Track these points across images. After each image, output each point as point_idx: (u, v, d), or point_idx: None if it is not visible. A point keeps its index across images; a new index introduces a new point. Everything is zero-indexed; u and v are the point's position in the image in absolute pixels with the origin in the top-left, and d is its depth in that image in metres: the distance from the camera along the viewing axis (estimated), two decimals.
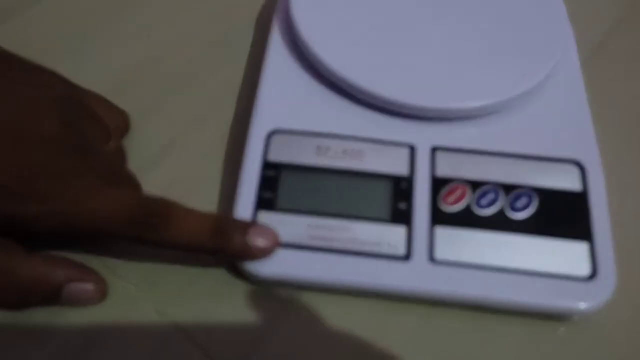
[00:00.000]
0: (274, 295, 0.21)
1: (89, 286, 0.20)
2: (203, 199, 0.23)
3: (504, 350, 0.21)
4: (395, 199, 0.22)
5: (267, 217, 0.21)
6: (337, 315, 0.21)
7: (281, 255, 0.21)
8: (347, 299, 0.21)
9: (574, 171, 0.23)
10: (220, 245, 0.20)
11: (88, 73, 0.27)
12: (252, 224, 0.21)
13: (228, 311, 0.21)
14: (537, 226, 0.22)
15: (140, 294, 0.21)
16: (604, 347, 0.21)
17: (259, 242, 0.20)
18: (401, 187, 0.22)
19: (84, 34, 0.29)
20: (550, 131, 0.24)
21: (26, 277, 0.19)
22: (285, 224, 0.21)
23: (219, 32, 0.29)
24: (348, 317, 0.21)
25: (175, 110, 0.26)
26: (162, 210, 0.19)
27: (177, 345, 0.20)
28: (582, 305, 0.20)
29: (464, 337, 0.21)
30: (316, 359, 0.20)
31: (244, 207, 0.22)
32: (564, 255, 0.21)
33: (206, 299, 0.21)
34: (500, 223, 0.22)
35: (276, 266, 0.21)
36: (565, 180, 0.22)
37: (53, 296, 0.20)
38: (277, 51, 0.26)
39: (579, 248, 0.21)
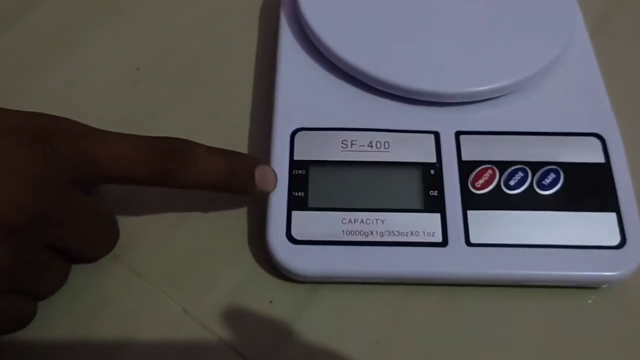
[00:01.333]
0: (299, 287, 0.22)
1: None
2: (230, 202, 0.24)
3: (536, 322, 0.22)
4: (425, 187, 0.23)
5: (300, 217, 0.22)
6: (362, 303, 0.22)
7: (319, 252, 0.22)
8: (370, 287, 0.22)
9: (596, 144, 0.24)
10: (232, 185, 0.21)
11: (93, 75, 0.28)
12: (258, 162, 0.22)
13: (255, 306, 0.22)
14: (565, 201, 0.23)
15: (165, 292, 0.22)
16: (633, 313, 0.22)
17: (265, 185, 0.22)
18: (430, 175, 0.23)
19: (86, 36, 0.29)
20: (568, 107, 0.25)
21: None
22: (319, 222, 0.22)
23: (222, 27, 0.30)
24: (373, 304, 0.22)
25: (186, 111, 0.27)
26: (180, 154, 0.20)
27: (205, 343, 0.21)
28: (615, 273, 0.21)
29: (495, 312, 0.22)
30: (344, 350, 0.21)
31: (277, 209, 0.22)
32: (593, 227, 0.22)
33: (232, 295, 0.22)
34: (529, 201, 0.23)
35: (316, 264, 0.22)
36: (588, 154, 0.24)
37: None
38: (289, 48, 0.26)
39: (607, 218, 0.22)
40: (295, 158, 0.23)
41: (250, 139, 0.26)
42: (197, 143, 0.21)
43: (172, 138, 0.21)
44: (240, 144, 0.26)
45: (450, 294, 0.22)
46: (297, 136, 0.24)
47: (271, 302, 0.22)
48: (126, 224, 0.23)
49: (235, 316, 0.22)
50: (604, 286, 0.22)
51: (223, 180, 0.21)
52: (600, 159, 0.24)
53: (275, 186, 0.22)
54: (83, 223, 0.20)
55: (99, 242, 0.22)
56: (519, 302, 0.22)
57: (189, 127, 0.26)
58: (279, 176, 0.23)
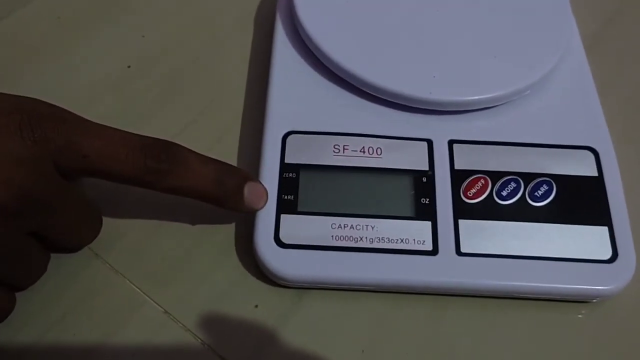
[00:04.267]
0: (286, 292, 0.23)
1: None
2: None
3: (525, 335, 0.23)
4: (417, 194, 0.24)
5: (289, 220, 0.23)
6: (349, 310, 0.23)
7: (307, 256, 0.23)
8: (358, 294, 0.23)
9: (589, 157, 0.25)
10: (219, 197, 0.22)
11: (82, 74, 0.29)
12: (249, 178, 0.23)
13: (240, 310, 0.23)
14: (557, 213, 0.24)
15: (146, 292, 0.23)
16: (624, 328, 0.23)
17: (254, 202, 0.23)
18: (422, 182, 0.24)
19: (79, 31, 0.31)
20: (562, 119, 0.27)
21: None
22: (308, 226, 0.23)
23: (217, 28, 0.31)
24: (360, 311, 0.23)
25: (177, 112, 0.28)
26: (169, 155, 0.21)
27: (187, 347, 0.22)
28: (605, 287, 0.23)
29: (484, 323, 0.23)
30: (330, 357, 0.22)
31: (266, 212, 0.23)
32: (585, 240, 0.23)
33: (216, 298, 0.23)
34: (521, 212, 0.24)
35: (303, 268, 0.23)
36: (581, 166, 0.25)
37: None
38: (283, 51, 0.28)
39: (599, 232, 0.24)
40: (286, 161, 0.24)
41: (241, 141, 0.27)
42: (188, 149, 0.22)
43: (164, 140, 0.21)
44: (231, 145, 0.27)
45: (440, 304, 0.23)
46: (288, 139, 0.25)
47: (256, 306, 0.23)
48: (108, 220, 0.24)
49: (219, 320, 0.23)
50: (595, 300, 0.24)
51: (210, 190, 0.22)
52: (593, 172, 0.25)
53: (264, 205, 0.23)
54: (69, 209, 0.21)
55: (83, 230, 0.23)
56: (508, 314, 0.23)
57: (179, 128, 0.27)
58: (269, 179, 0.24)
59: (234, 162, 0.27)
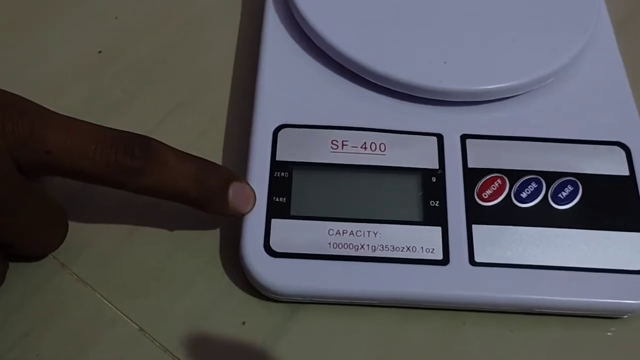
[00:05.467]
0: (277, 307, 0.22)
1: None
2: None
3: (548, 355, 0.22)
4: (425, 196, 0.23)
5: (281, 226, 0.22)
6: (348, 327, 0.22)
7: (301, 267, 0.21)
8: (359, 310, 0.22)
9: (620, 154, 0.24)
10: (200, 199, 0.21)
11: (47, 60, 0.28)
12: (235, 177, 0.22)
13: (225, 327, 0.22)
14: (583, 217, 0.23)
15: (119, 307, 0.22)
16: None
17: (239, 205, 0.22)
18: (431, 182, 0.23)
19: (44, 16, 0.29)
20: (590, 111, 0.25)
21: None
22: (302, 232, 0.22)
23: (199, 9, 0.30)
24: (361, 329, 0.22)
25: (153, 102, 0.27)
26: (144, 151, 0.20)
27: None
28: (637, 301, 0.21)
29: (502, 342, 0.22)
30: None
31: (254, 216, 0.22)
32: (614, 248, 0.22)
33: (198, 313, 0.22)
34: (543, 216, 0.23)
35: (297, 280, 0.21)
36: (611, 165, 0.24)
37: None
38: (275, 34, 0.26)
39: (631, 239, 0.22)
40: (278, 158, 0.23)
41: (227, 135, 0.26)
42: (165, 144, 0.21)
43: (138, 134, 0.21)
44: (215, 141, 0.26)
45: (452, 320, 0.22)
46: (280, 133, 0.24)
47: (244, 323, 0.22)
48: (75, 225, 0.23)
49: (200, 338, 0.21)
50: (626, 316, 0.22)
51: (190, 191, 0.21)
52: (624, 171, 0.24)
53: (251, 208, 0.22)
54: (29, 210, 0.20)
55: (45, 235, 0.22)
56: (529, 332, 0.22)
57: (156, 121, 0.26)
58: (257, 178, 0.23)
59: (218, 160, 0.25)
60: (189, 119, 0.26)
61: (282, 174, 0.23)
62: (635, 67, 0.27)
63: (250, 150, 0.23)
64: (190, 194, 0.21)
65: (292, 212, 0.22)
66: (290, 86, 0.25)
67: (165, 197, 0.21)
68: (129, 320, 0.22)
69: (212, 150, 0.25)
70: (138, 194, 0.21)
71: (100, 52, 0.28)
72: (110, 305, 0.22)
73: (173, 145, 0.21)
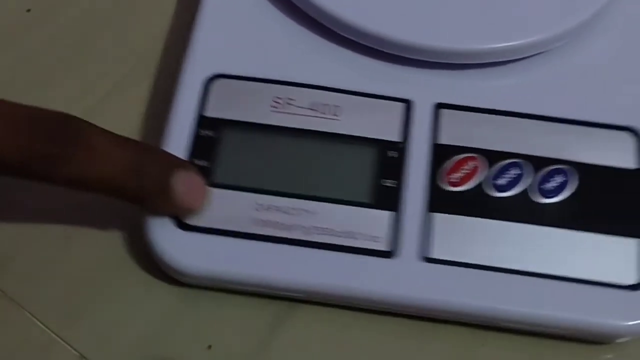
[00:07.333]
0: (200, 297, 0.21)
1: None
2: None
3: None
4: (379, 174, 0.21)
5: None
6: (276, 324, 0.21)
7: (217, 245, 0.20)
8: (285, 304, 0.21)
9: (628, 142, 0.22)
10: (138, 193, 0.19)
11: None
12: (181, 165, 0.20)
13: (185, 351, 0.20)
14: (572, 215, 0.21)
15: (55, 330, 0.20)
16: None
17: (188, 200, 0.20)
18: (389, 158, 0.21)
19: None
20: (597, 87, 0.23)
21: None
22: (224, 204, 0.20)
23: None
24: (292, 329, 0.21)
25: (87, 71, 0.25)
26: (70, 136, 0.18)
27: None
28: (623, 323, 0.19)
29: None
30: None
31: None
32: (605, 256, 0.20)
33: (150, 334, 0.20)
34: (523, 210, 0.21)
35: (210, 261, 0.20)
36: (616, 154, 0.22)
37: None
38: None
39: (625, 247, 0.20)
40: (206, 114, 0.22)
41: (155, 88, 0.24)
42: (95, 126, 0.19)
43: (59, 112, 0.18)
44: (140, 92, 0.24)
45: (394, 327, 0.21)
46: (213, 85, 0.22)
47: (210, 347, 0.20)
48: None
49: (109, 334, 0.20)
50: (620, 340, 0.20)
51: (126, 183, 0.19)
52: (630, 162, 0.22)
53: (202, 204, 0.20)
54: None
55: None
56: (498, 353, 0.20)
57: (97, 97, 0.24)
58: (177, 136, 0.21)
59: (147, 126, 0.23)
60: (134, 93, 0.24)
61: (209, 133, 0.21)
62: None
63: (173, 101, 0.22)
64: (127, 187, 0.19)
65: (215, 179, 0.21)
66: (231, 30, 0.23)
67: (97, 191, 0.19)
68: (66, 345, 0.20)
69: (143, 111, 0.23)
70: (62, 187, 0.18)
71: (29, 10, 0.26)
72: (43, 327, 0.20)
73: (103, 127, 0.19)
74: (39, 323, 0.20)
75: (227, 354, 0.20)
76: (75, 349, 0.20)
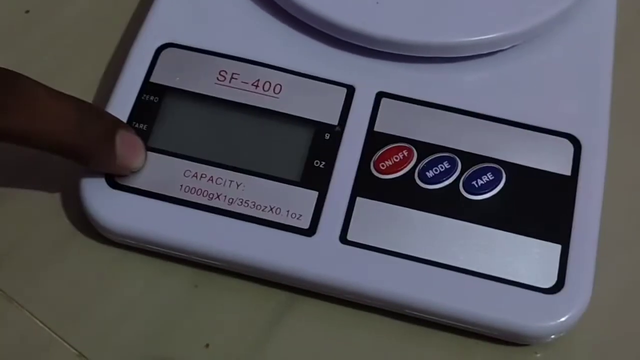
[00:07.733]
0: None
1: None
2: None
3: None
4: (312, 154, 0.21)
5: None
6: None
7: (142, 205, 0.20)
8: (203, 272, 0.21)
9: (567, 149, 0.21)
10: (80, 149, 0.19)
11: None
12: (121, 125, 0.20)
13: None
14: (497, 214, 0.21)
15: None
16: None
17: (127, 157, 0.20)
18: (323, 139, 0.21)
19: None
20: (545, 91, 0.22)
21: None
22: (155, 167, 0.21)
23: None
24: (207, 297, 0.21)
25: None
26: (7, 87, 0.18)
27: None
28: (537, 324, 0.19)
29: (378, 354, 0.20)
30: None
31: None
32: (525, 257, 0.20)
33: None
34: (448, 204, 0.21)
35: (135, 221, 0.20)
36: (551, 159, 0.21)
37: None
38: None
39: (548, 251, 0.20)
40: (151, 80, 0.22)
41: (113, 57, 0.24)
42: (36, 81, 0.18)
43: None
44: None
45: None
46: (163, 53, 0.22)
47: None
48: None
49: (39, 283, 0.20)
50: (550, 339, 0.20)
51: (66, 138, 0.18)
52: (565, 169, 0.21)
53: (141, 163, 0.20)
54: None
55: None
56: (420, 346, 0.20)
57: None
58: (122, 99, 0.21)
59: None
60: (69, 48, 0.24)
61: (152, 97, 0.21)
62: (624, 43, 0.23)
63: (124, 67, 0.22)
64: (67, 142, 0.18)
65: (150, 143, 0.21)
66: (187, 3, 0.23)
67: (36, 146, 0.18)
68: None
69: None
70: (2, 141, 0.18)
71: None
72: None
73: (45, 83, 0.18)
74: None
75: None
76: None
